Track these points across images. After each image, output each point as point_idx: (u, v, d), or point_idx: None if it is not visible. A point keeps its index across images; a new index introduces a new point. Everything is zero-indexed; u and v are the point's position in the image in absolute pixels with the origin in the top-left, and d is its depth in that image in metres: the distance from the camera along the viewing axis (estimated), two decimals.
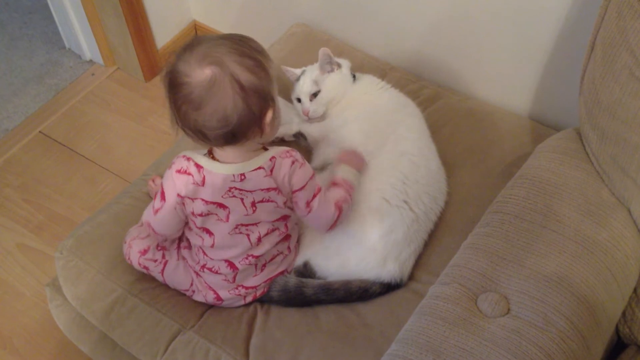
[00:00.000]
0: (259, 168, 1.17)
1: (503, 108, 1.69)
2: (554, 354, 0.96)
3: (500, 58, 1.65)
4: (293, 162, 1.20)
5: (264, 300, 1.34)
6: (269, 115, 1.12)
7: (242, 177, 1.17)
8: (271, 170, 1.18)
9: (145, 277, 1.36)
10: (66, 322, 1.52)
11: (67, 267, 1.39)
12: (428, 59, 1.77)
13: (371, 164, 1.41)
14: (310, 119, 1.53)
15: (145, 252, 1.32)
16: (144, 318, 1.33)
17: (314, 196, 1.24)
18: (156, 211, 1.23)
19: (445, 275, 1.09)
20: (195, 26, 2.36)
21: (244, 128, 1.10)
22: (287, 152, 1.21)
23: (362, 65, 1.74)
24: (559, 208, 1.13)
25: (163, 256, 1.32)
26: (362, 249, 1.32)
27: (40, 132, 2.25)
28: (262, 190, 1.19)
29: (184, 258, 1.32)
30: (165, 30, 2.32)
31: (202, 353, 1.27)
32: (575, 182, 1.18)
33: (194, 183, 1.17)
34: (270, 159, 1.18)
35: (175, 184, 1.18)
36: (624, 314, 1.19)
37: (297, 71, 1.59)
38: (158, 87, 2.35)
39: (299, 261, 1.34)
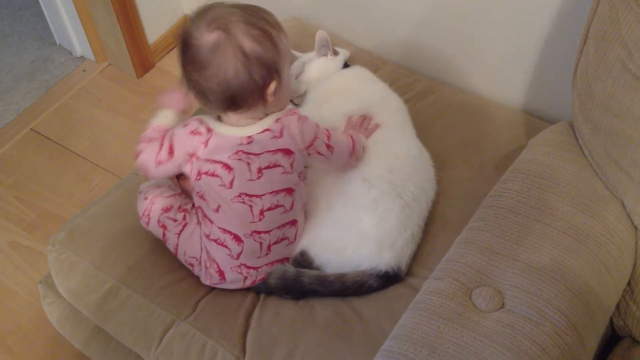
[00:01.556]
0: (266, 130, 1.21)
1: (496, 101, 1.69)
2: (548, 348, 0.96)
3: (494, 51, 1.64)
4: (299, 118, 1.24)
5: (261, 289, 1.34)
6: (272, 86, 1.16)
7: (250, 139, 1.21)
8: (280, 132, 1.22)
9: (137, 267, 1.35)
10: (59, 318, 1.52)
11: (59, 260, 1.39)
12: (421, 53, 1.77)
13: None
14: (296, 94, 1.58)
15: (168, 210, 1.32)
16: (137, 309, 1.32)
17: (329, 137, 1.29)
18: (159, 163, 1.25)
19: (439, 270, 1.09)
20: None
21: (245, 95, 1.15)
22: (290, 111, 1.25)
23: (355, 59, 1.73)
24: (553, 202, 1.13)
25: (184, 217, 1.33)
26: (357, 236, 1.33)
27: (31, 129, 2.24)
28: (269, 152, 1.22)
29: (201, 224, 1.32)
30: (156, 26, 2.31)
31: (199, 347, 1.27)
32: (568, 176, 1.18)
33: (203, 143, 1.21)
34: (276, 121, 1.22)
35: (187, 143, 1.22)
36: (618, 306, 1.19)
37: (297, 54, 1.63)
38: (150, 83, 2.35)
39: (296, 250, 1.35)
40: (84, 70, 2.41)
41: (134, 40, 2.26)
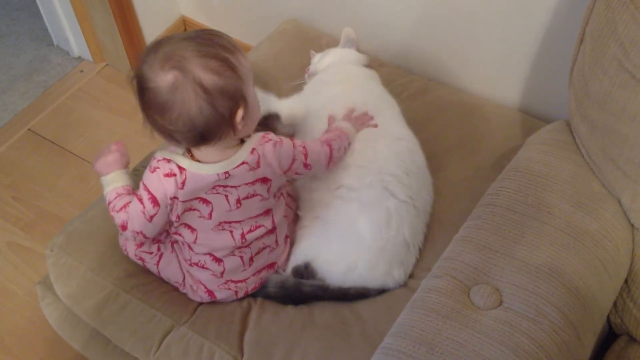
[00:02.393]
0: (243, 163, 1.17)
1: (493, 101, 1.69)
2: (546, 345, 0.96)
3: (490, 50, 1.65)
4: (274, 145, 1.20)
5: (259, 295, 1.34)
6: (240, 113, 1.10)
7: (227, 174, 1.17)
8: (257, 163, 1.18)
9: (136, 273, 1.36)
10: (58, 320, 1.51)
11: (57, 265, 1.38)
12: (417, 53, 1.77)
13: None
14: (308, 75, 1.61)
15: (141, 244, 1.31)
16: (137, 314, 1.32)
17: (306, 156, 1.26)
18: (151, 218, 1.20)
19: (437, 268, 1.10)
20: (184, 22, 2.35)
21: (213, 129, 1.09)
22: (263, 137, 1.20)
23: None
24: (550, 200, 1.14)
25: (158, 249, 1.32)
26: (370, 254, 1.30)
27: (29, 129, 2.23)
28: (247, 184, 1.19)
29: (176, 251, 1.32)
30: (154, 26, 2.31)
31: (196, 349, 1.27)
32: (565, 174, 1.18)
33: (179, 184, 1.16)
34: (252, 152, 1.18)
35: (166, 187, 1.17)
36: (615, 304, 1.20)
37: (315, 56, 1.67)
38: None
39: (299, 260, 1.33)
40: (81, 71, 2.41)
41: (131, 41, 2.25)
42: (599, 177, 1.19)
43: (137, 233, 1.23)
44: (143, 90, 1.08)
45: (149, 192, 1.18)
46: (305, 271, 1.31)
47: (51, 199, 2.05)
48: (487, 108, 1.64)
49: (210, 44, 1.08)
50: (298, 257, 1.34)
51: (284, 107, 1.49)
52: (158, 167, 1.17)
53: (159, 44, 1.08)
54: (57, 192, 2.07)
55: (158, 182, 1.17)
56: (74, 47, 2.42)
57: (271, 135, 1.21)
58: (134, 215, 1.21)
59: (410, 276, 1.35)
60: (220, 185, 1.18)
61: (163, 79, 1.05)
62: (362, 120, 1.42)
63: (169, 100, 1.05)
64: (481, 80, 1.72)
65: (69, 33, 2.37)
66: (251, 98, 1.13)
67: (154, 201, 1.18)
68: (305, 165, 1.26)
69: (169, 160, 1.16)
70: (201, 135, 1.09)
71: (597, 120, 1.14)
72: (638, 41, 1.02)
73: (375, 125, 1.42)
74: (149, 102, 1.08)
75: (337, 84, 1.53)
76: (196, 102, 1.05)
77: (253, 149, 1.18)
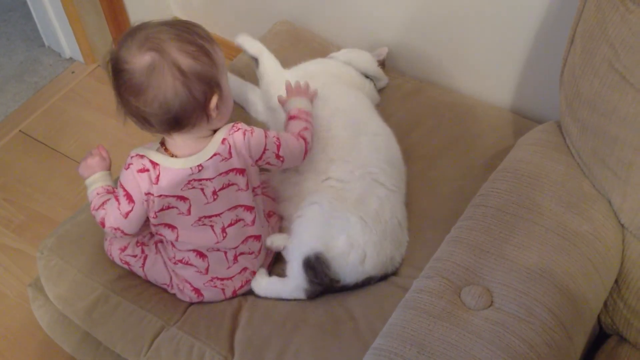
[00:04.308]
0: (215, 155, 1.18)
1: (485, 101, 1.69)
2: (536, 345, 0.96)
3: (482, 51, 1.65)
4: (244, 133, 1.20)
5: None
6: (214, 100, 1.12)
7: (200, 167, 1.18)
8: (229, 152, 1.19)
9: (126, 275, 1.36)
10: (49, 322, 1.51)
11: (48, 267, 1.38)
12: (409, 54, 1.77)
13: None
14: None
15: (125, 248, 1.32)
16: (127, 315, 1.32)
17: (278, 147, 1.25)
18: (127, 214, 1.22)
19: (428, 268, 1.10)
20: None
21: (187, 114, 1.11)
22: (233, 126, 1.21)
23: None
24: (541, 200, 1.14)
25: (142, 251, 1.32)
26: (377, 243, 1.30)
27: (20, 131, 2.23)
28: (221, 174, 1.20)
29: (161, 252, 1.32)
30: None
31: (186, 349, 1.27)
32: (556, 175, 1.18)
33: (153, 180, 1.18)
34: (222, 142, 1.18)
35: (140, 184, 1.18)
36: (605, 304, 1.20)
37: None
38: None
39: (308, 252, 1.27)
40: (72, 72, 2.40)
41: None
42: (589, 178, 1.19)
43: (115, 229, 1.25)
44: (119, 72, 1.09)
45: (124, 189, 1.20)
46: (316, 262, 1.27)
47: (42, 201, 2.05)
48: (479, 108, 1.64)
49: (187, 30, 1.10)
50: (304, 247, 1.28)
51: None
52: (132, 164, 1.18)
53: (137, 28, 1.10)
54: (48, 194, 2.06)
55: (132, 179, 1.18)
56: (66, 49, 2.42)
57: (241, 125, 1.22)
58: (110, 212, 1.23)
59: (400, 273, 1.35)
60: (195, 180, 1.19)
61: (140, 60, 1.06)
62: (306, 90, 1.42)
63: (145, 81, 1.07)
64: (473, 81, 1.73)
65: (60, 34, 2.37)
66: (225, 88, 1.15)
67: (129, 198, 1.20)
68: (278, 157, 1.26)
69: (142, 156, 1.18)
70: (175, 119, 1.10)
71: (587, 121, 1.15)
72: (628, 42, 1.02)
73: (316, 91, 1.45)
74: (125, 84, 1.09)
75: (315, 65, 1.59)
76: (173, 84, 1.07)
77: (224, 139, 1.19)
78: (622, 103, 1.06)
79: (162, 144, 1.20)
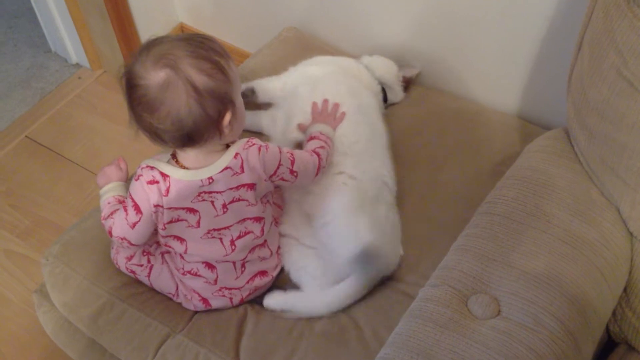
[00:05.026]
0: (226, 168, 1.17)
1: (492, 107, 1.69)
2: (544, 355, 0.96)
3: (489, 57, 1.65)
4: (259, 149, 1.20)
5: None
6: (227, 117, 1.11)
7: (210, 180, 1.17)
8: (241, 167, 1.18)
9: (132, 283, 1.35)
10: (54, 328, 1.50)
11: (53, 274, 1.38)
12: (416, 61, 1.77)
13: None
14: None
15: (131, 257, 1.32)
16: (133, 323, 1.32)
17: (292, 162, 1.25)
18: (134, 225, 1.21)
19: (435, 277, 1.09)
20: (182, 28, 2.35)
21: (201, 130, 1.10)
22: (247, 142, 1.20)
23: None
24: (549, 208, 1.13)
25: (148, 260, 1.32)
26: (397, 239, 1.37)
27: (26, 136, 2.23)
28: (232, 189, 1.19)
29: (167, 262, 1.32)
30: (151, 32, 2.25)
31: (192, 356, 1.26)
32: (564, 182, 1.18)
33: (163, 192, 1.17)
34: (235, 156, 1.18)
35: (149, 195, 1.18)
36: (614, 313, 1.19)
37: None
38: None
39: (354, 251, 1.26)
40: (79, 78, 2.41)
41: (129, 48, 2.25)
42: (597, 185, 1.18)
43: (122, 239, 1.24)
44: (133, 87, 1.08)
45: (133, 200, 1.19)
46: (369, 252, 1.27)
47: (48, 206, 2.05)
48: (486, 114, 1.64)
49: (202, 46, 1.09)
50: (353, 242, 1.27)
51: (258, 83, 1.57)
52: (141, 175, 1.18)
53: (151, 43, 1.09)
54: (53, 199, 2.07)
55: (141, 190, 1.18)
56: (72, 54, 2.43)
57: (256, 140, 1.21)
58: (117, 222, 1.23)
59: (405, 281, 1.34)
60: (205, 192, 1.18)
61: (155, 76, 1.06)
62: (333, 115, 1.42)
63: (159, 97, 1.06)
64: (480, 87, 1.72)
65: (66, 40, 2.37)
66: (239, 103, 1.15)
67: (137, 209, 1.19)
68: (292, 172, 1.25)
69: (152, 168, 1.18)
70: (188, 136, 1.10)
71: (595, 128, 1.14)
72: (636, 49, 1.01)
73: (344, 114, 1.43)
74: (138, 100, 1.08)
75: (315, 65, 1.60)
76: (186, 101, 1.06)
77: (237, 154, 1.18)
78: (631, 110, 1.05)
79: (174, 155, 1.20)
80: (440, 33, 1.68)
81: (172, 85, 1.05)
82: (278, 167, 1.23)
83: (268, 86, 1.57)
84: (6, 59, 2.49)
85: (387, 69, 1.65)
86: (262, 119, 1.57)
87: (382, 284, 1.34)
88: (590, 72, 1.12)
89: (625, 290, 1.18)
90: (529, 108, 1.68)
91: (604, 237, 1.12)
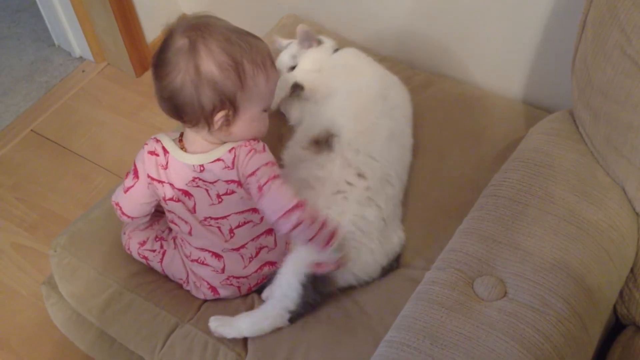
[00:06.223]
0: (218, 160, 1.17)
1: (496, 92, 1.68)
2: (551, 336, 0.95)
3: (492, 42, 1.64)
4: (250, 151, 1.17)
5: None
6: (220, 115, 1.10)
7: (202, 168, 1.17)
8: (232, 162, 1.17)
9: (140, 272, 1.36)
10: (63, 320, 1.51)
11: (61, 265, 1.38)
12: (419, 46, 1.77)
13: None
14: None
15: (144, 243, 1.32)
16: (141, 312, 1.32)
17: (268, 180, 1.14)
18: (127, 189, 1.23)
19: (440, 260, 1.09)
20: None
21: (187, 110, 1.10)
22: (249, 142, 1.18)
23: None
24: (554, 190, 1.13)
25: (161, 246, 1.33)
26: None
27: (31, 130, 2.24)
28: (224, 182, 1.19)
29: (179, 247, 1.32)
30: (154, 25, 2.31)
31: (201, 346, 1.27)
32: (569, 164, 1.17)
33: (160, 165, 1.19)
34: (230, 150, 1.17)
35: (145, 164, 1.20)
36: (621, 294, 1.19)
37: (285, 43, 1.63)
38: (149, 82, 2.34)
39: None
40: (83, 71, 2.41)
41: (132, 40, 2.25)
42: (602, 166, 1.18)
43: (116, 204, 1.27)
44: (164, 42, 1.11)
45: (134, 164, 1.22)
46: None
47: (54, 199, 2.06)
48: (490, 99, 1.63)
49: (241, 47, 1.09)
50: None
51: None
52: (147, 144, 1.21)
53: (207, 16, 1.13)
54: (60, 193, 2.07)
55: (142, 157, 1.21)
56: (76, 48, 2.43)
57: (256, 144, 1.18)
58: (118, 187, 1.27)
59: (411, 266, 1.35)
60: (199, 179, 1.19)
61: (177, 39, 1.08)
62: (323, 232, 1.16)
63: (168, 58, 1.08)
64: (484, 72, 1.71)
65: (70, 33, 2.38)
66: (246, 114, 1.13)
67: (135, 173, 1.22)
68: (259, 188, 1.14)
69: (157, 141, 1.20)
70: (175, 108, 1.11)
71: (600, 108, 1.13)
72: None
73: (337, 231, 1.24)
74: (157, 54, 1.11)
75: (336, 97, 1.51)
76: (183, 76, 1.07)
77: (232, 148, 1.17)
78: (636, 89, 1.04)
79: (181, 135, 1.21)
80: (442, 18, 1.67)
81: (181, 56, 1.07)
82: (252, 173, 1.16)
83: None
84: (10, 53, 2.50)
85: (322, 48, 1.60)
86: (292, 110, 1.56)
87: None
88: (594, 52, 1.11)
89: (632, 271, 1.17)
90: (532, 92, 1.68)
91: (610, 217, 1.11)
